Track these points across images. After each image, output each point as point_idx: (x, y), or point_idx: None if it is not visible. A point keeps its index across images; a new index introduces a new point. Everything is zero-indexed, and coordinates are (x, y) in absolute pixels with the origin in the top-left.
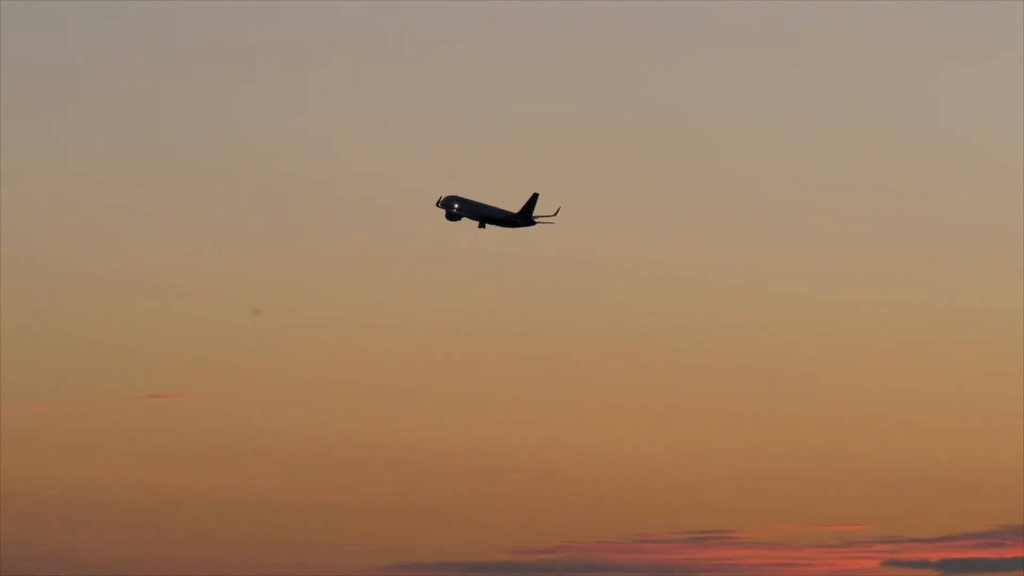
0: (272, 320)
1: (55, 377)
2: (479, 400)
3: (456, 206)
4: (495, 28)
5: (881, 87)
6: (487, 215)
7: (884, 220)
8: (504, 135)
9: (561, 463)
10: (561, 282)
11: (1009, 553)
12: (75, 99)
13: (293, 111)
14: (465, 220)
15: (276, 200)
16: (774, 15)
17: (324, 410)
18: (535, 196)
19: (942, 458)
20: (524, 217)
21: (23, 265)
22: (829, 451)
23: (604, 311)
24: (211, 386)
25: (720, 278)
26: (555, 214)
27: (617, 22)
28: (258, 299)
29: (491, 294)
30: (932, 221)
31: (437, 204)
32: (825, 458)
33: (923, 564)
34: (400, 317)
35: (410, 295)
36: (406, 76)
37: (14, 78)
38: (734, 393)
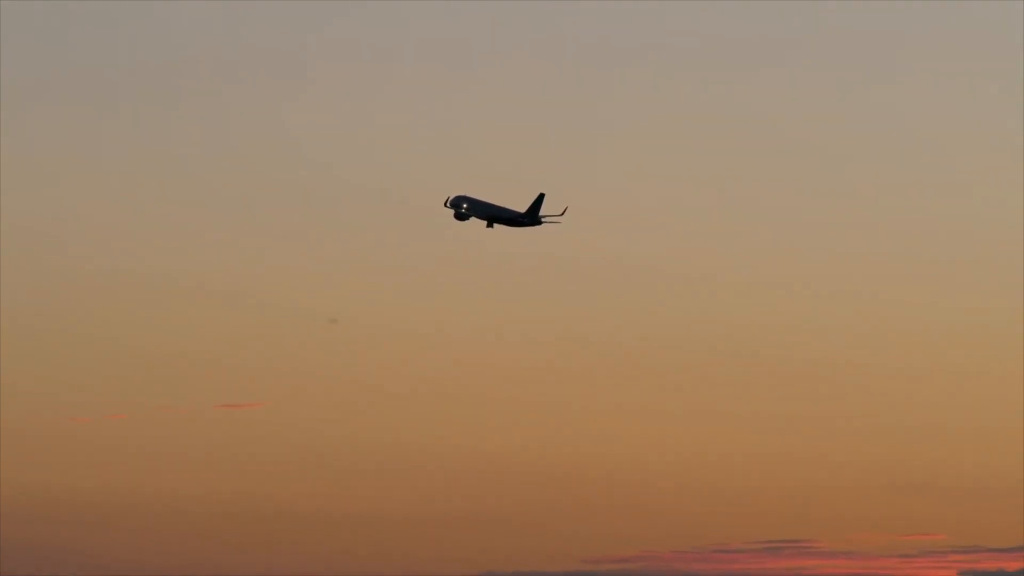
0: (348, 330)
1: (131, 387)
2: (557, 409)
3: (465, 206)
4: (557, 31)
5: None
6: (495, 215)
7: (944, 225)
8: (558, 138)
9: (639, 472)
10: (636, 290)
11: None
12: (141, 107)
13: (360, 121)
14: (473, 220)
15: (352, 211)
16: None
17: (399, 419)
18: (542, 196)
19: (1019, 466)
20: (531, 216)
21: (99, 276)
22: (905, 460)
23: (683, 320)
24: (286, 396)
25: (787, 284)
26: (562, 213)
27: (659, 23)
28: (334, 309)
29: (564, 303)
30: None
31: (445, 204)
32: (901, 467)
33: (1000, 574)
34: (476, 328)
35: (485, 306)
36: (470, 84)
37: (70, 82)
38: (811, 402)
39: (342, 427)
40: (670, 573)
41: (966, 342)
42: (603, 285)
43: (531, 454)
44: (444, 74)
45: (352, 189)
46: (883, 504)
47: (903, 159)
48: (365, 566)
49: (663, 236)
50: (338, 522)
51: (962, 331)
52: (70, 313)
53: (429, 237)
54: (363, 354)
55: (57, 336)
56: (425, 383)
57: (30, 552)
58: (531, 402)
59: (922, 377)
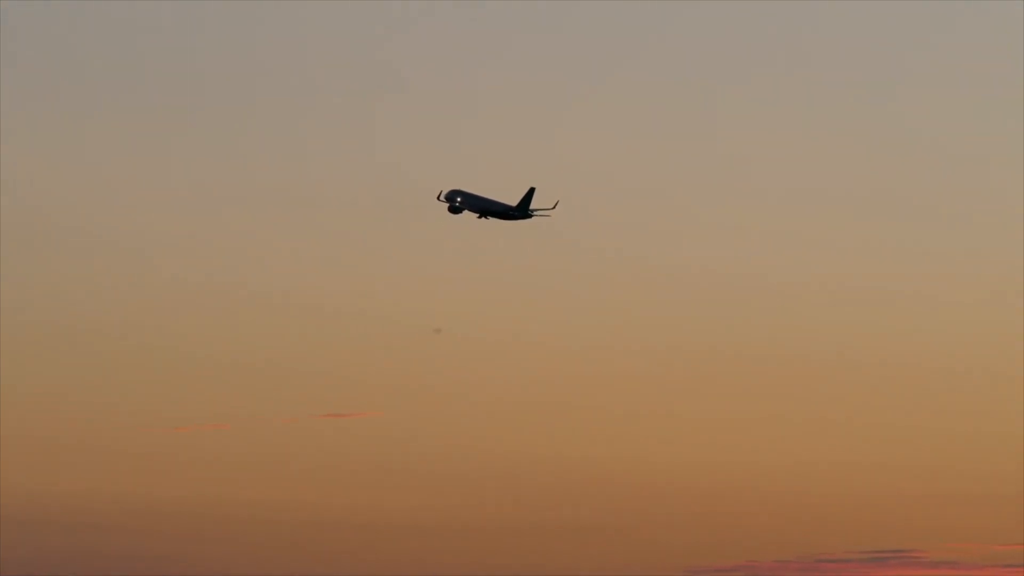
0: (453, 339)
1: (234, 396)
2: (658, 418)
3: (459, 199)
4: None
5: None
6: (487, 208)
7: None
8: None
9: (741, 481)
10: (740, 300)
11: None
12: (225, 115)
13: (450, 130)
14: (466, 213)
15: (454, 222)
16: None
17: (505, 429)
18: (532, 190)
19: None
20: (521, 210)
21: (203, 286)
22: (1011, 468)
23: (783, 328)
24: (392, 405)
25: (884, 290)
26: (554, 207)
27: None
28: (439, 318)
29: (673, 312)
30: None
31: (438, 198)
32: (1007, 476)
33: None
34: (580, 335)
35: (590, 313)
36: (560, 90)
37: (159, 90)
38: (913, 410)
39: (447, 436)
40: None
41: None
42: (702, 294)
43: (633, 463)
44: (538, 84)
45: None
46: (989, 513)
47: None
48: (468, 574)
49: (758, 245)
50: (442, 531)
51: None
52: (175, 325)
53: (533, 248)
54: (468, 363)
55: (162, 348)
56: (529, 392)
57: (133, 561)
58: (635, 411)
59: None
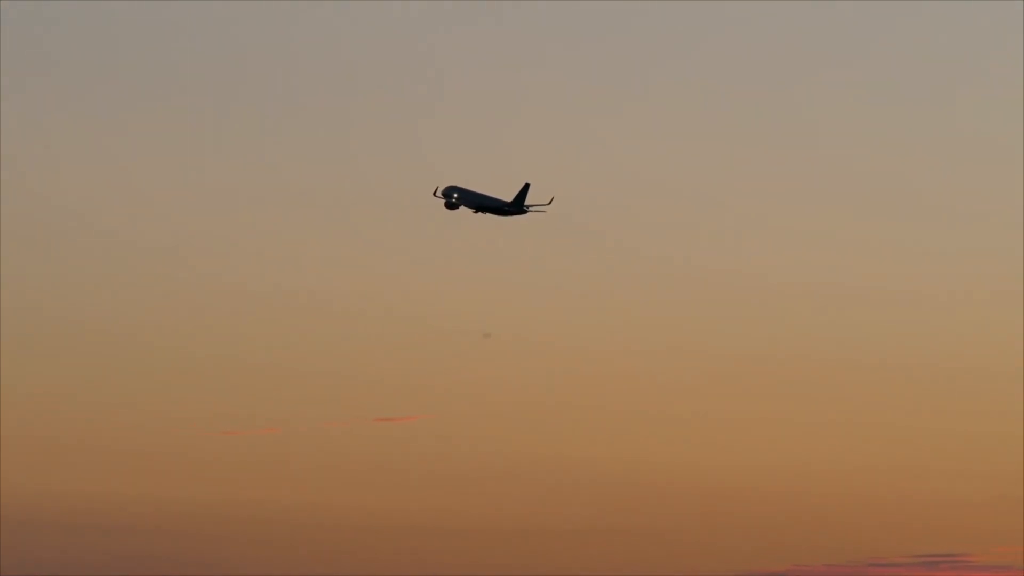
0: (502, 343)
1: (285, 400)
2: (706, 422)
3: (456, 195)
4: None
5: None
6: (482, 204)
7: None
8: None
9: (790, 485)
10: (785, 304)
11: None
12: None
13: (497, 135)
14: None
15: (504, 226)
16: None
17: (554, 432)
18: (527, 186)
19: None
20: (516, 205)
21: (255, 292)
22: None
23: (836, 332)
24: (442, 409)
25: (936, 294)
26: (549, 203)
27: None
28: (488, 322)
29: (719, 316)
30: None
31: (434, 194)
32: None
33: None
34: (628, 340)
35: (637, 317)
36: (614, 97)
37: (206, 92)
38: (965, 413)
39: (498, 440)
40: None
41: None
42: (751, 298)
43: (684, 467)
44: (586, 86)
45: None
46: None
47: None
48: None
49: (799, 247)
50: (493, 534)
51: None
52: (226, 330)
53: (582, 251)
54: (517, 367)
55: (214, 353)
56: (579, 396)
57: (184, 565)
58: (684, 414)
59: None
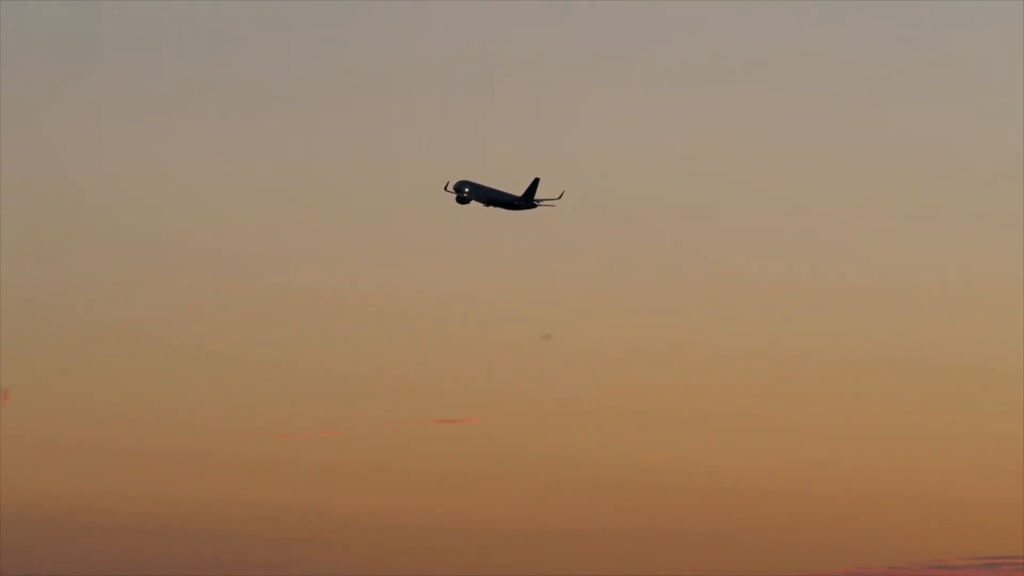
0: (562, 345)
1: (346, 402)
2: (769, 425)
3: (467, 190)
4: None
5: None
6: (493, 198)
7: None
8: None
9: (850, 487)
10: (846, 304)
11: None
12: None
13: (555, 137)
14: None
15: (564, 227)
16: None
17: (612, 435)
18: (536, 181)
19: None
20: (526, 200)
21: (315, 294)
22: None
23: (895, 333)
24: (502, 411)
25: (1006, 295)
26: (559, 197)
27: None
28: (548, 325)
29: (775, 316)
30: None
31: (446, 188)
32: None
33: None
34: (691, 344)
35: (697, 320)
36: (683, 101)
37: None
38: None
39: (557, 442)
40: None
41: None
42: (813, 301)
43: (741, 468)
44: (641, 89)
45: (560, 206)
46: None
47: None
48: None
49: (878, 250)
50: (551, 537)
51: None
52: (285, 333)
53: (641, 253)
54: (577, 369)
55: (273, 356)
56: (638, 399)
57: (245, 567)
58: (744, 418)
59: None
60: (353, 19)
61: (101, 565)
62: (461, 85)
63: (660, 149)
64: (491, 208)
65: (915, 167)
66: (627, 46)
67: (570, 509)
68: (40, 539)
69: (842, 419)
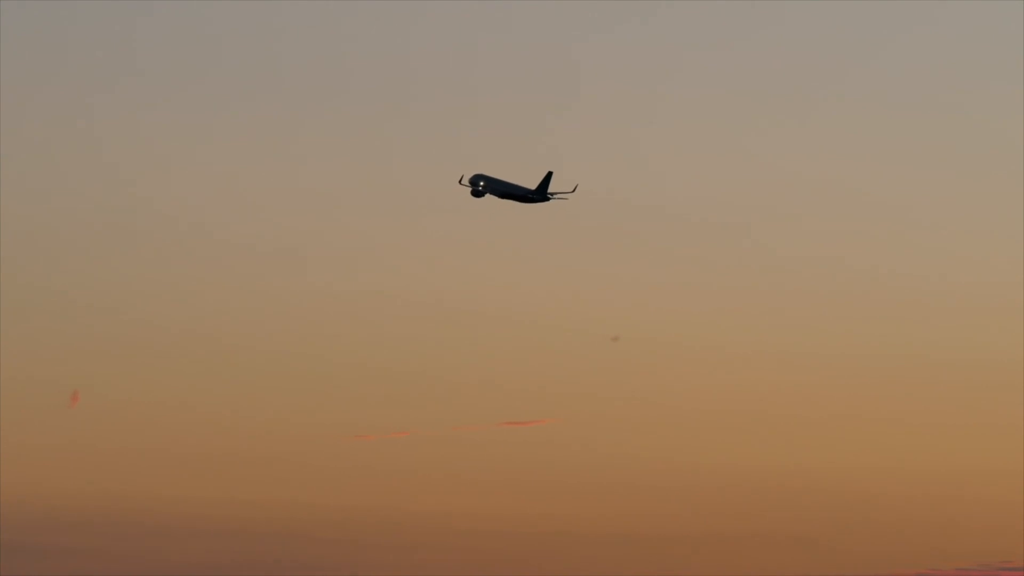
0: (630, 347)
1: (415, 404)
2: (838, 424)
3: (482, 183)
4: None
5: None
6: (508, 192)
7: None
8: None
9: (923, 486)
10: (914, 304)
11: None
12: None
13: (628, 138)
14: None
15: (631, 228)
16: None
17: (680, 436)
18: (550, 174)
19: None
20: (540, 193)
21: (386, 296)
22: None
23: (982, 335)
24: (570, 413)
25: None
26: (573, 191)
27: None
28: (616, 326)
29: (853, 316)
30: None
31: (460, 182)
32: None
33: None
34: (758, 343)
35: (768, 321)
36: (765, 106)
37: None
38: None
39: (624, 443)
40: None
41: None
42: (882, 299)
43: (811, 470)
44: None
45: (628, 207)
46: None
47: None
48: None
49: (968, 247)
50: (619, 539)
51: None
52: (355, 335)
53: (709, 252)
54: (645, 371)
55: (344, 358)
56: (708, 400)
57: (313, 570)
58: (813, 418)
59: None
60: (416, 18)
61: (184, 567)
62: (533, 85)
63: (735, 151)
64: (554, 210)
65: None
66: (712, 49)
67: (639, 510)
68: (111, 541)
69: (910, 420)
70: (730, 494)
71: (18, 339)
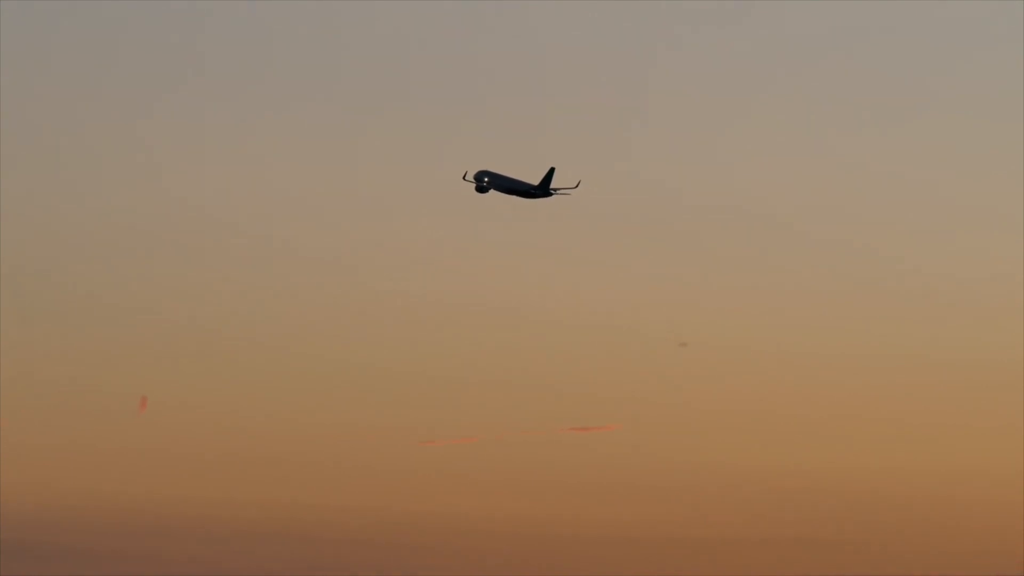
0: (698, 353)
1: (482, 409)
2: (907, 429)
3: (486, 179)
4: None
5: None
6: (511, 187)
7: None
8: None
9: (990, 492)
10: (974, 307)
11: None
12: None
13: (702, 143)
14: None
15: (700, 234)
16: None
17: (751, 443)
18: (552, 170)
19: None
20: (542, 189)
21: (451, 303)
22: None
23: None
24: (636, 419)
25: None
26: (576, 186)
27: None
28: (685, 331)
29: (918, 318)
30: None
31: (464, 177)
32: None
33: None
34: (826, 349)
35: (835, 325)
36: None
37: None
38: None
39: (691, 449)
40: None
41: None
42: (945, 302)
43: (879, 474)
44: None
45: (695, 210)
46: None
47: None
48: None
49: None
50: (682, 544)
51: None
52: (422, 341)
53: (774, 255)
54: (712, 377)
55: (411, 364)
56: (776, 405)
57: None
58: (877, 422)
59: None
60: (482, 21)
61: (248, 570)
62: (604, 88)
63: (806, 154)
64: (620, 216)
65: None
66: (796, 52)
67: (701, 515)
68: (178, 546)
69: (973, 423)
70: (792, 497)
71: (84, 342)
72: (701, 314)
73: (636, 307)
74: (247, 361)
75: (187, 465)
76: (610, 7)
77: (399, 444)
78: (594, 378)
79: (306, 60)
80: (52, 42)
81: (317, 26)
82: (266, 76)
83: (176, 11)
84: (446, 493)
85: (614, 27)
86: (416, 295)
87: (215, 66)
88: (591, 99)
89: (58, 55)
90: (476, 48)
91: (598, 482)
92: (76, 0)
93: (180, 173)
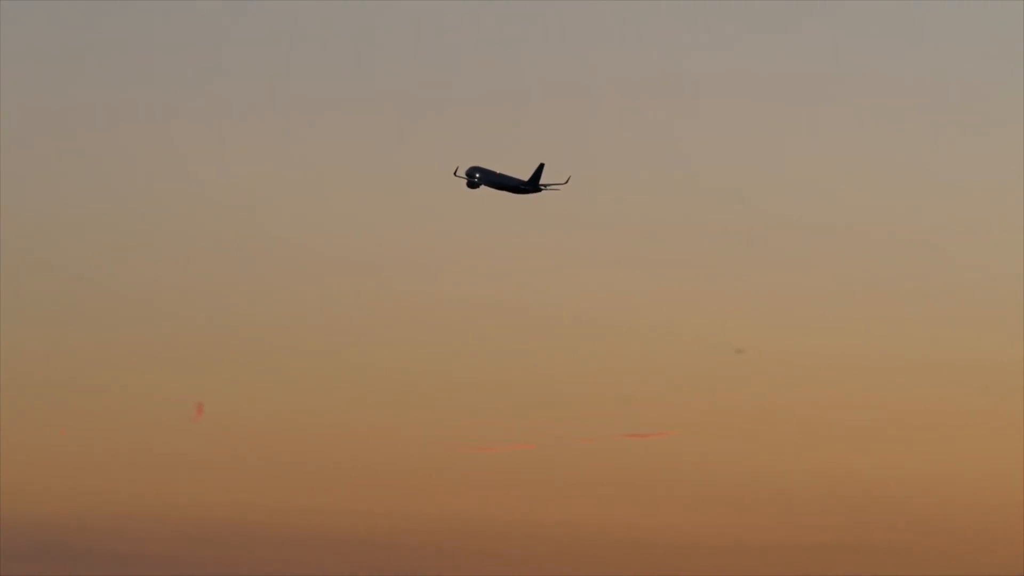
0: (754, 359)
1: (540, 416)
2: (967, 432)
3: (477, 175)
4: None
5: None
6: (501, 183)
7: None
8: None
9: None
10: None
11: None
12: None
13: (759, 143)
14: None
15: (756, 237)
16: None
17: (805, 448)
18: (542, 166)
19: None
20: (532, 184)
21: (510, 309)
22: None
23: None
24: (693, 425)
25: None
26: (566, 182)
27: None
28: (741, 338)
29: (971, 322)
30: None
31: (455, 173)
32: None
33: None
34: (875, 350)
35: (891, 330)
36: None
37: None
38: None
39: (747, 456)
40: None
41: None
42: (991, 302)
43: (916, 480)
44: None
45: (754, 215)
46: None
47: None
48: None
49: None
50: (740, 550)
51: None
52: (481, 348)
53: (837, 263)
54: (769, 383)
55: (469, 371)
56: (834, 410)
57: None
58: (933, 427)
59: None
60: (531, 21)
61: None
62: (652, 90)
63: (871, 159)
64: (675, 222)
65: None
66: (859, 55)
67: (759, 522)
68: (207, 550)
69: (994, 424)
70: (849, 503)
71: (136, 344)
72: (757, 320)
73: (691, 313)
74: (302, 370)
75: (233, 471)
76: (645, 7)
77: (459, 450)
78: (649, 385)
79: (330, 62)
80: (92, 45)
81: (344, 28)
82: (289, 79)
83: (206, 12)
84: (503, 499)
85: (648, 29)
86: (472, 302)
87: (239, 68)
88: (637, 102)
89: (97, 58)
90: (517, 49)
91: (653, 488)
92: (107, 1)
93: (204, 175)
